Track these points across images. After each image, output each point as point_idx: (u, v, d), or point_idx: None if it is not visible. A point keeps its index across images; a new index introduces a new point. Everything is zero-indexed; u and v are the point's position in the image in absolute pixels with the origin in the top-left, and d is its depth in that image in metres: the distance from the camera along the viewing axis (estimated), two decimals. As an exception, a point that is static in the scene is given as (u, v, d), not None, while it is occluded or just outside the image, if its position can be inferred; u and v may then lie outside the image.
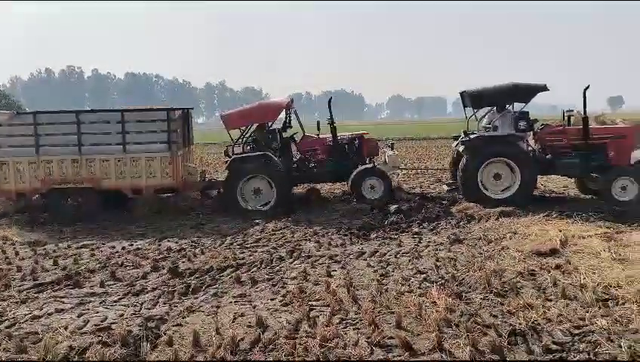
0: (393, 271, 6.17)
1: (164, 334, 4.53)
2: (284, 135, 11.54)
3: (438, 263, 6.37)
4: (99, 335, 4.53)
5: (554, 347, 4.02)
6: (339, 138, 11.38)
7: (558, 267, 5.85)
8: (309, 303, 5.16)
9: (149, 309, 5.22)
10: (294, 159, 11.56)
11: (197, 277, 6.25)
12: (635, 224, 7.74)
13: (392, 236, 8.02)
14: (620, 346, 3.95)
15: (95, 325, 4.79)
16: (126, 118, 10.35)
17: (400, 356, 4.00)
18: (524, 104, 10.47)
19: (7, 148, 10.36)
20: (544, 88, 10.14)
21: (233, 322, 4.76)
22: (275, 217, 9.58)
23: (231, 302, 5.33)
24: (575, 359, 3.85)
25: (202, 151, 27.81)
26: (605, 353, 3.90)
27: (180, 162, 10.67)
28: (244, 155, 10.76)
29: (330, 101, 11.52)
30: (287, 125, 11.58)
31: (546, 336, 4.19)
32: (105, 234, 8.89)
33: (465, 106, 11.03)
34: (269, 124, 11.30)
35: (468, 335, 4.16)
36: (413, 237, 7.89)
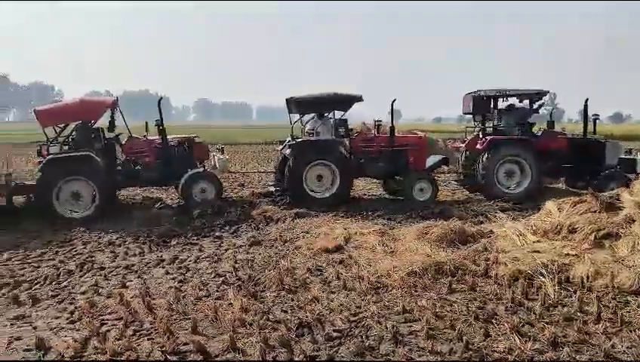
0: (192, 277, 6.19)
1: None
2: (108, 135, 10.75)
3: (237, 265, 6.57)
4: None
5: (334, 334, 4.49)
6: (169, 141, 10.99)
7: (341, 262, 6.54)
8: (101, 318, 4.90)
9: None
10: (119, 161, 10.82)
11: (-39, 302, 5.44)
12: (403, 221, 9.05)
13: (194, 241, 8.01)
14: (387, 327, 4.59)
15: None
16: None
17: (194, 360, 4.07)
18: (343, 112, 11.41)
19: None
20: (360, 99, 11.17)
21: (7, 348, 4.29)
22: (64, 227, 8.84)
23: (5, 326, 4.78)
24: (351, 342, 4.38)
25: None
26: (375, 334, 4.51)
27: None
28: (62, 155, 9.77)
29: (159, 102, 11.05)
30: (112, 125, 10.78)
31: (329, 326, 4.66)
32: None
33: (290, 112, 11.56)
34: (92, 122, 10.39)
35: (260, 332, 4.43)
36: (214, 241, 8.00)
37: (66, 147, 10.19)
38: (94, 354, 4.14)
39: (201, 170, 10.99)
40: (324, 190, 10.83)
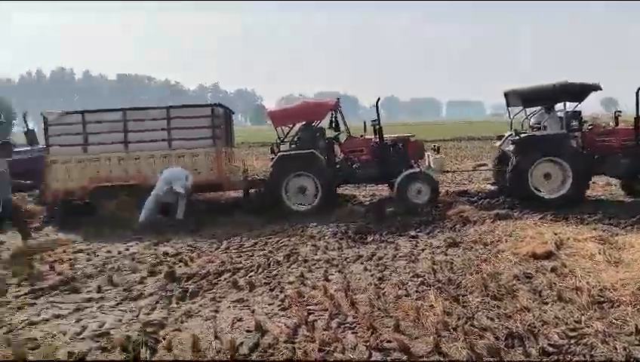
0: (390, 275, 6.18)
1: (163, 339, 4.52)
2: (328, 135, 11.54)
3: (435, 266, 6.37)
4: (97, 341, 4.53)
5: (550, 349, 4.03)
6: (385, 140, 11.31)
7: (553, 270, 5.88)
8: (308, 307, 5.16)
9: (147, 314, 5.21)
10: (337, 160, 11.53)
11: (194, 282, 6.25)
12: (629, 227, 7.84)
13: (389, 239, 8.02)
14: (616, 348, 3.97)
15: (93, 331, 4.77)
16: (171, 115, 10.71)
17: (399, 359, 4.02)
18: (578, 103, 10.46)
19: (57, 146, 10.67)
20: (598, 87, 10.02)
21: (232, 327, 4.76)
22: (271, 222, 9.61)
23: (229, 307, 5.33)
24: (572, 360, 3.88)
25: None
26: (601, 355, 3.93)
27: (224, 158, 10.94)
28: (291, 153, 10.82)
29: (377, 102, 11.44)
30: (338, 126, 11.41)
31: (543, 339, 4.21)
32: (101, 238, 8.85)
33: (508, 106, 11.02)
34: (316, 122, 11.33)
35: (465, 338, 4.19)
36: (410, 241, 7.91)
37: (293, 146, 11.09)
38: (304, 341, 4.36)
39: (418, 170, 10.85)
40: (552, 190, 9.84)
